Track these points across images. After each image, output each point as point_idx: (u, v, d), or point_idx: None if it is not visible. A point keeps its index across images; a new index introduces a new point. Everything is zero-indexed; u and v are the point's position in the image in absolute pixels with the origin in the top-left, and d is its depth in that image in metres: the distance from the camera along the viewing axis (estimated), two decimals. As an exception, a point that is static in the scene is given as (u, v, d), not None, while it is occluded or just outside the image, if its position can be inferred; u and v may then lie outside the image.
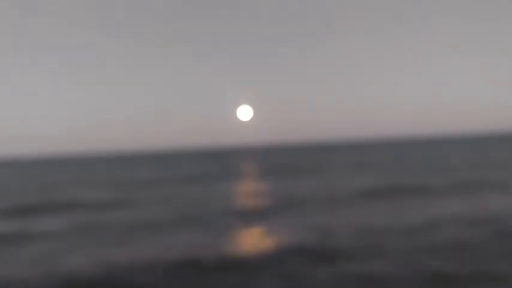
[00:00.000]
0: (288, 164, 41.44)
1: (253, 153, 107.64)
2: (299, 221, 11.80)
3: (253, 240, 9.78)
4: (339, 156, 55.69)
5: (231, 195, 18.43)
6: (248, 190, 20.02)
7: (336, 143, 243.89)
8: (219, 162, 56.48)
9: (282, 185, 21.75)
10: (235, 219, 12.55)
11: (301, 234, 10.13)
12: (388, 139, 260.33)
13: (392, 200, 14.73)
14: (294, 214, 12.87)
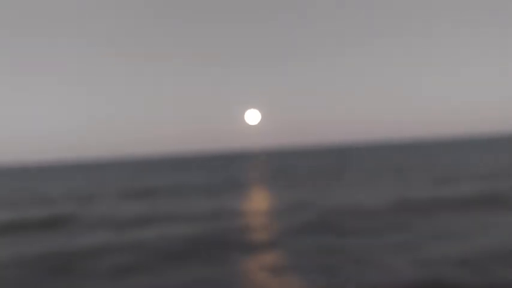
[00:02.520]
0: (315, 167, 38.24)
1: (263, 157, 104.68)
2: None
3: None
4: (364, 160, 52.36)
5: (240, 212, 15.34)
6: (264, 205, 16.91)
7: (345, 145, 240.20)
8: (228, 168, 53.49)
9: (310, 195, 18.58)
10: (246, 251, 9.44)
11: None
12: (397, 141, 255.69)
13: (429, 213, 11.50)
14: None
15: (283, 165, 49.18)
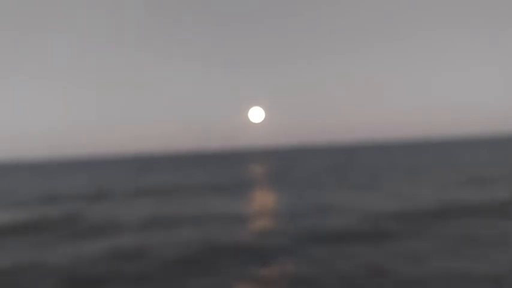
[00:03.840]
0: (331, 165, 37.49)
1: (268, 155, 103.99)
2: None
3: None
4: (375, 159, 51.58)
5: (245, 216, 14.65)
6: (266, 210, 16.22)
7: (349, 144, 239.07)
8: (233, 167, 52.84)
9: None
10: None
11: None
12: (404, 141, 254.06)
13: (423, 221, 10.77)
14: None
15: (289, 164, 48.45)
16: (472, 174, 23.01)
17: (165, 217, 13.96)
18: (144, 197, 20.33)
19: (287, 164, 49.12)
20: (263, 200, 16.89)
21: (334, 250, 8.52)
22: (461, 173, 24.14)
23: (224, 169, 44.32)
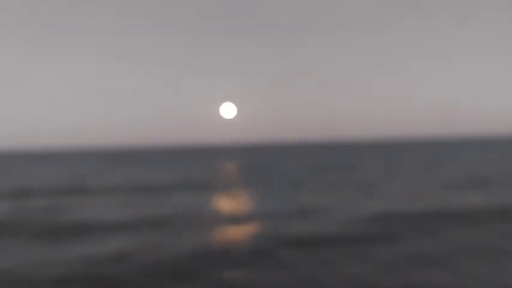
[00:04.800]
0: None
1: (241, 152, 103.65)
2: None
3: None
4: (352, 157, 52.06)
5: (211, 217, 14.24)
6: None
7: (321, 142, 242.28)
8: (204, 163, 52.15)
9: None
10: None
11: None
12: (384, 140, 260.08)
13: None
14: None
15: (265, 161, 48.23)
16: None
17: (135, 218, 13.31)
18: (115, 194, 19.50)
19: (262, 161, 48.89)
20: (237, 200, 16.48)
21: (311, 255, 8.22)
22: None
23: (195, 166, 43.59)
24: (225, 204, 15.47)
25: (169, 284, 6.96)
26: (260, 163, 44.52)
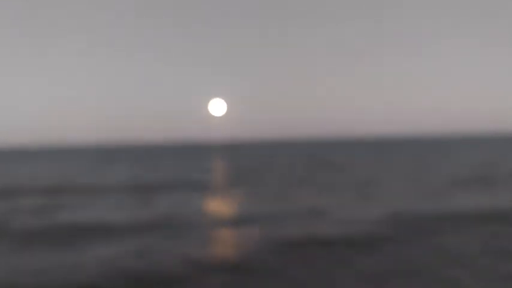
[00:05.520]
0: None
1: (231, 150, 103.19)
2: None
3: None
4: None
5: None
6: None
7: (314, 140, 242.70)
8: (192, 161, 51.67)
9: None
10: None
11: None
12: (379, 138, 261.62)
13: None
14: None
15: (255, 159, 47.92)
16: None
17: (121, 220, 12.92)
18: (104, 194, 19.02)
19: (253, 159, 48.58)
20: (228, 200, 16.16)
21: (307, 259, 7.96)
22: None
23: (183, 164, 43.12)
24: (217, 205, 15.15)
25: (158, 294, 6.63)
26: (251, 161, 44.22)
